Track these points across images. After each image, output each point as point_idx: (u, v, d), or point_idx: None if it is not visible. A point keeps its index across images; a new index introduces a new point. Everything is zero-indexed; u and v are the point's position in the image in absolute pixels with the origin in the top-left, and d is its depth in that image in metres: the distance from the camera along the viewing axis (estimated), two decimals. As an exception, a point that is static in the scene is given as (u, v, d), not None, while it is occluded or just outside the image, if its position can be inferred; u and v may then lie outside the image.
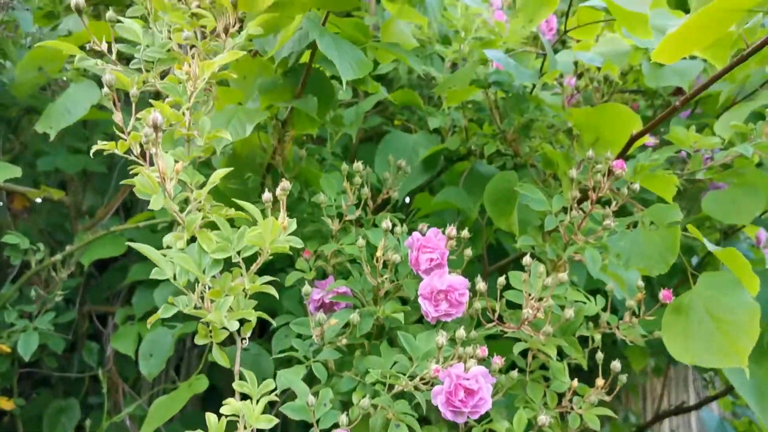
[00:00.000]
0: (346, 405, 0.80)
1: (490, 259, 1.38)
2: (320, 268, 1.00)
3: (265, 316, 0.69)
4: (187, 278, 0.65)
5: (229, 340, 0.71)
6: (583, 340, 0.94)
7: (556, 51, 1.30)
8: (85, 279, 1.40)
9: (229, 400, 0.65)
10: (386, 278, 0.89)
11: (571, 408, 0.86)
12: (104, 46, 0.75)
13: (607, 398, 0.86)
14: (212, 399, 0.98)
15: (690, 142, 1.13)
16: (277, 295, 0.70)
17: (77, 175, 1.35)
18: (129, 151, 0.70)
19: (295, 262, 0.97)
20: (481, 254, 1.27)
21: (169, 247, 0.69)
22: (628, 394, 2.08)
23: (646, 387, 2.12)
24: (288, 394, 0.78)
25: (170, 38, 0.82)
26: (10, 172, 1.06)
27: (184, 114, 0.73)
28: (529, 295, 0.87)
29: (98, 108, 1.18)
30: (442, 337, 0.77)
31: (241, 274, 0.68)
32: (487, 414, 0.78)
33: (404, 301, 0.93)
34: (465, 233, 0.92)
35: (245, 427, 0.63)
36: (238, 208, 0.71)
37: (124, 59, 0.80)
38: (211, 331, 0.68)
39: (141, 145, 0.67)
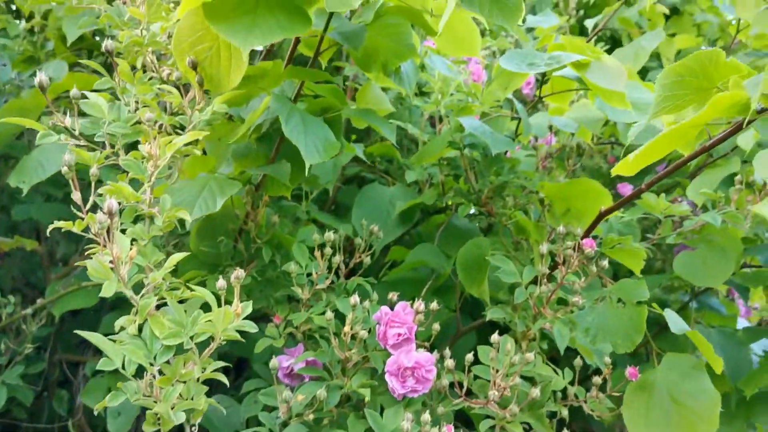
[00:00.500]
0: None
1: (468, 311, 1.37)
2: (291, 334, 1.00)
3: (211, 401, 0.68)
4: (137, 366, 0.64)
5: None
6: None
7: (531, 114, 1.31)
8: (57, 326, 1.38)
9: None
10: (354, 352, 0.88)
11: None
12: (68, 122, 0.75)
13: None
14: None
15: (660, 209, 1.13)
16: (228, 384, 0.69)
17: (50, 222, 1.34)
18: (87, 230, 0.70)
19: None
20: (455, 310, 1.27)
21: (123, 328, 0.69)
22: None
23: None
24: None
25: (138, 108, 0.82)
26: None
27: (145, 192, 0.73)
28: (497, 371, 0.86)
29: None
30: (407, 422, 0.76)
31: (194, 361, 0.67)
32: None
33: (374, 371, 0.92)
34: (434, 305, 0.91)
35: None
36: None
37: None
38: (159, 419, 0.67)
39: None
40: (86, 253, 0.69)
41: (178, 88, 0.83)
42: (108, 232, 0.65)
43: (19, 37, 1.42)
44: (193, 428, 0.68)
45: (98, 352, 1.37)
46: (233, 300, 0.69)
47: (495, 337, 0.86)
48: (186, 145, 0.77)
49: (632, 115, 0.93)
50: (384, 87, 1.21)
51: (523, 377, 0.92)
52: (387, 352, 0.88)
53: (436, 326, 0.91)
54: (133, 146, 0.82)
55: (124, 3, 0.86)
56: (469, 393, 0.88)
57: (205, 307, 0.70)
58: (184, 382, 0.66)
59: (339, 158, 1.36)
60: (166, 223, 0.73)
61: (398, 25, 0.96)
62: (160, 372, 0.66)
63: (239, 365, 1.50)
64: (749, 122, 0.55)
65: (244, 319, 0.69)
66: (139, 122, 0.80)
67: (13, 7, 1.56)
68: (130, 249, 0.67)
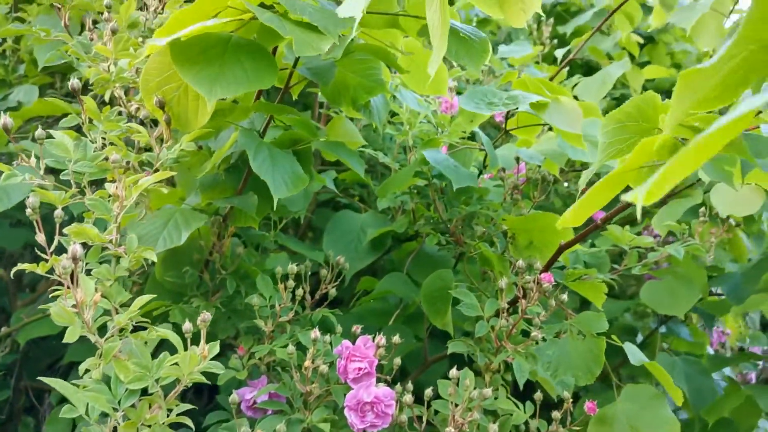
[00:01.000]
0: None
1: (441, 337, 1.39)
2: (256, 365, 1.00)
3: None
4: (101, 412, 0.65)
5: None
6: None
7: (503, 142, 1.34)
8: (23, 352, 1.37)
9: None
10: (315, 386, 0.89)
11: None
12: (32, 161, 0.75)
13: None
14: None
15: (626, 241, 1.16)
16: (193, 429, 0.69)
17: (18, 249, 1.33)
18: (51, 271, 0.70)
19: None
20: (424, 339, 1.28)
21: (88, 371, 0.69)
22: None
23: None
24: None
25: (104, 145, 0.82)
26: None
27: (111, 232, 0.73)
28: (456, 405, 0.88)
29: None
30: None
31: (159, 405, 0.68)
32: None
33: (337, 405, 0.93)
34: (396, 339, 0.93)
35: None
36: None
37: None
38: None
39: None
40: (51, 295, 0.69)
41: (144, 124, 0.83)
42: (72, 276, 0.65)
43: (-10, 61, 1.42)
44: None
45: (65, 379, 1.35)
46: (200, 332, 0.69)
47: (453, 372, 0.88)
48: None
49: (590, 154, 0.96)
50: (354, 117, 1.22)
51: (485, 410, 0.93)
52: (348, 386, 0.89)
53: (398, 360, 0.93)
54: (101, 181, 0.83)
55: (92, 40, 0.86)
56: (431, 425, 0.90)
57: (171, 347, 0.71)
58: (150, 426, 0.67)
59: (310, 186, 1.37)
60: (132, 263, 0.74)
61: (368, 61, 0.97)
62: (125, 416, 0.66)
63: (212, 389, 1.50)
64: (681, 189, 0.58)
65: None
66: (106, 158, 0.81)
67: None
68: (95, 291, 0.67)
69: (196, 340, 0.69)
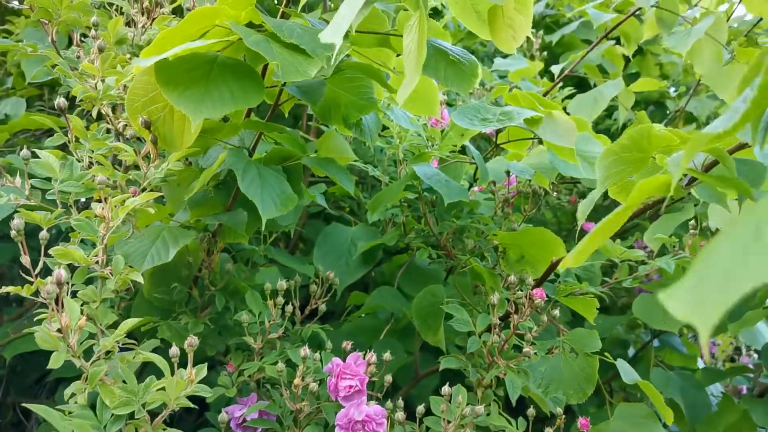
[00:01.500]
0: None
1: (433, 351, 1.39)
2: (246, 382, 0.99)
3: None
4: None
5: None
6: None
7: (495, 154, 1.34)
8: (10, 367, 1.35)
9: None
10: (305, 404, 0.89)
11: None
12: (17, 182, 0.74)
13: None
14: None
15: (617, 254, 1.16)
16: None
17: (6, 262, 1.32)
18: (37, 293, 0.69)
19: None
20: (415, 353, 1.28)
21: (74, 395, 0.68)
22: None
23: None
24: None
25: (91, 164, 0.81)
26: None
27: (97, 254, 0.72)
28: (448, 422, 0.87)
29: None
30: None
31: (145, 429, 0.67)
32: None
33: (327, 423, 0.92)
34: (387, 356, 0.92)
35: None
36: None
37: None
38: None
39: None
40: (35, 318, 0.68)
41: (133, 141, 0.83)
42: (57, 299, 0.64)
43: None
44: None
45: (52, 394, 1.34)
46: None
47: (446, 388, 0.87)
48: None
49: (582, 170, 0.95)
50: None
51: (478, 427, 0.93)
52: (339, 404, 0.88)
53: (389, 377, 0.92)
54: (89, 198, 0.82)
55: (78, 57, 0.85)
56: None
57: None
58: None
59: (300, 201, 1.36)
60: (118, 284, 0.73)
61: (360, 79, 0.97)
62: (110, 442, 0.65)
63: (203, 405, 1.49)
64: (674, 201, 0.58)
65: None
66: (93, 177, 0.80)
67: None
68: (81, 315, 0.66)
69: (183, 360, 0.68)
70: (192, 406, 0.68)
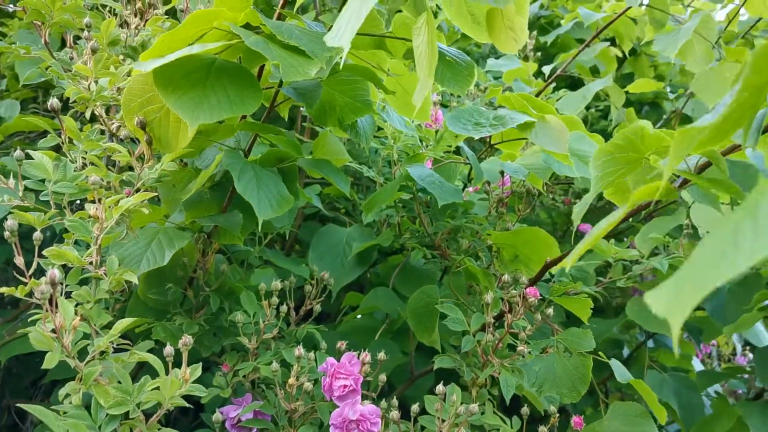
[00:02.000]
0: None
1: (428, 350, 1.39)
2: (240, 383, 0.99)
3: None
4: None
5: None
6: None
7: (490, 154, 1.34)
8: (5, 369, 1.35)
9: None
10: (300, 404, 0.89)
11: None
12: (11, 183, 0.74)
13: None
14: None
15: (611, 254, 1.17)
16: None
17: (0, 265, 1.32)
18: (30, 294, 0.69)
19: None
20: (410, 354, 1.28)
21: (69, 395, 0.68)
22: None
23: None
24: None
25: (84, 165, 0.82)
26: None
27: (92, 254, 0.72)
28: (443, 421, 0.87)
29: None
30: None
31: (140, 429, 0.67)
32: None
33: (322, 422, 0.93)
34: (381, 355, 0.93)
35: None
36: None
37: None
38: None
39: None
40: (29, 319, 0.68)
41: (127, 141, 0.83)
42: (51, 300, 0.64)
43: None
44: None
45: (47, 397, 1.34)
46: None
47: (440, 387, 0.87)
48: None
49: (576, 169, 0.96)
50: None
51: (472, 426, 0.93)
52: (333, 403, 0.88)
53: (383, 377, 0.92)
54: (83, 199, 0.82)
55: (72, 59, 0.86)
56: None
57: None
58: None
59: (296, 202, 1.36)
60: (113, 285, 0.73)
61: (355, 81, 0.97)
62: (104, 442, 0.65)
63: (198, 406, 1.49)
64: (665, 205, 0.58)
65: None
66: (87, 178, 0.80)
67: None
68: (75, 315, 0.67)
69: (178, 360, 0.69)
70: (187, 405, 0.68)
